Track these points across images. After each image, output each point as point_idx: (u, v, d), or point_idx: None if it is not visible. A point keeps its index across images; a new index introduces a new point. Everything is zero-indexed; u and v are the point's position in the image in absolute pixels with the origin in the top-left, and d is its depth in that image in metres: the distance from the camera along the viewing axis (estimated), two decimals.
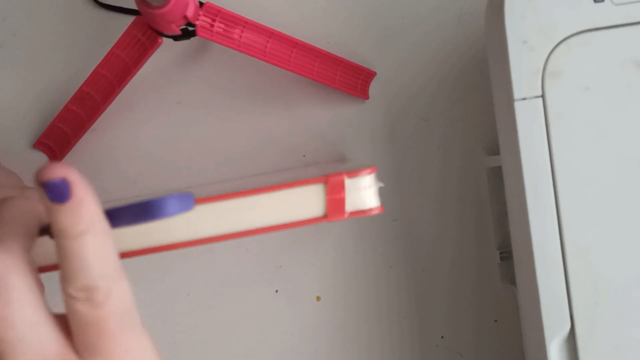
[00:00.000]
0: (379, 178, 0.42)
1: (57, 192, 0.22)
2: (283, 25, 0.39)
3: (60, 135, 0.41)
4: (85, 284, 0.23)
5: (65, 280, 0.23)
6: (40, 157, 0.41)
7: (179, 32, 0.37)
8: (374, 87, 0.42)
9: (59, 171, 0.22)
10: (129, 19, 0.38)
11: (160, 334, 0.42)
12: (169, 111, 0.42)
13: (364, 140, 0.42)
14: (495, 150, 0.42)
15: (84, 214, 0.23)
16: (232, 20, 0.37)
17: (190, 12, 0.35)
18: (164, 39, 0.37)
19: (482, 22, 0.36)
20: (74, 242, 0.23)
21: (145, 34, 0.37)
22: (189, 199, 0.24)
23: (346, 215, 0.31)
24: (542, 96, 0.32)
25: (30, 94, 0.42)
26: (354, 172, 0.31)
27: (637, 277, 0.32)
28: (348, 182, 0.31)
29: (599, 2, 0.32)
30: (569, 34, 0.32)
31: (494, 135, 0.42)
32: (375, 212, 0.32)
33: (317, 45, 0.40)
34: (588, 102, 0.32)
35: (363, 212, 0.31)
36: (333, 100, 0.42)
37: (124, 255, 0.29)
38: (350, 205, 0.31)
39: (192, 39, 0.38)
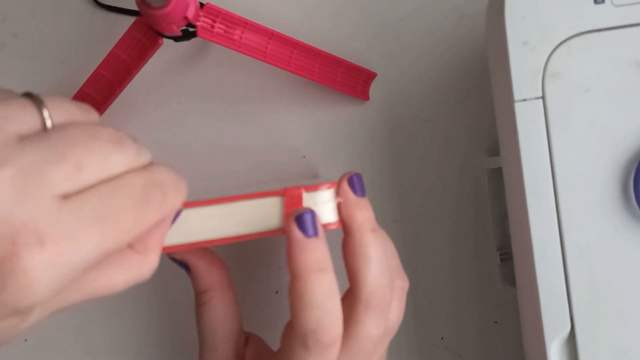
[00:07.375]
0: (379, 179, 0.42)
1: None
2: (284, 26, 0.39)
3: None
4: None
5: None
6: None
7: (179, 33, 0.37)
8: (374, 88, 0.42)
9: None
10: (130, 20, 0.38)
11: (159, 334, 0.42)
12: (170, 112, 0.42)
13: (365, 142, 0.42)
14: (495, 152, 0.42)
15: None
16: (233, 21, 0.37)
17: (191, 13, 0.35)
18: (165, 40, 0.37)
19: (483, 23, 0.36)
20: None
21: (145, 35, 0.37)
22: None
23: None
24: (543, 97, 0.32)
25: None
26: (312, 187, 0.31)
27: (637, 278, 0.32)
28: (306, 195, 0.31)
29: (599, 3, 0.32)
30: (569, 35, 0.32)
31: (495, 136, 0.42)
32: (333, 227, 0.32)
33: (318, 46, 0.40)
34: (588, 104, 0.32)
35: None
36: (333, 101, 0.42)
37: None
38: None
39: (193, 40, 0.38)
